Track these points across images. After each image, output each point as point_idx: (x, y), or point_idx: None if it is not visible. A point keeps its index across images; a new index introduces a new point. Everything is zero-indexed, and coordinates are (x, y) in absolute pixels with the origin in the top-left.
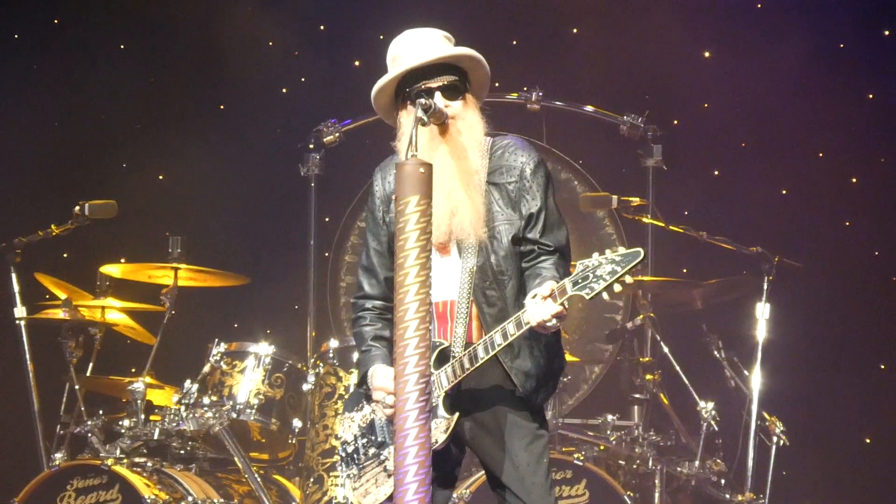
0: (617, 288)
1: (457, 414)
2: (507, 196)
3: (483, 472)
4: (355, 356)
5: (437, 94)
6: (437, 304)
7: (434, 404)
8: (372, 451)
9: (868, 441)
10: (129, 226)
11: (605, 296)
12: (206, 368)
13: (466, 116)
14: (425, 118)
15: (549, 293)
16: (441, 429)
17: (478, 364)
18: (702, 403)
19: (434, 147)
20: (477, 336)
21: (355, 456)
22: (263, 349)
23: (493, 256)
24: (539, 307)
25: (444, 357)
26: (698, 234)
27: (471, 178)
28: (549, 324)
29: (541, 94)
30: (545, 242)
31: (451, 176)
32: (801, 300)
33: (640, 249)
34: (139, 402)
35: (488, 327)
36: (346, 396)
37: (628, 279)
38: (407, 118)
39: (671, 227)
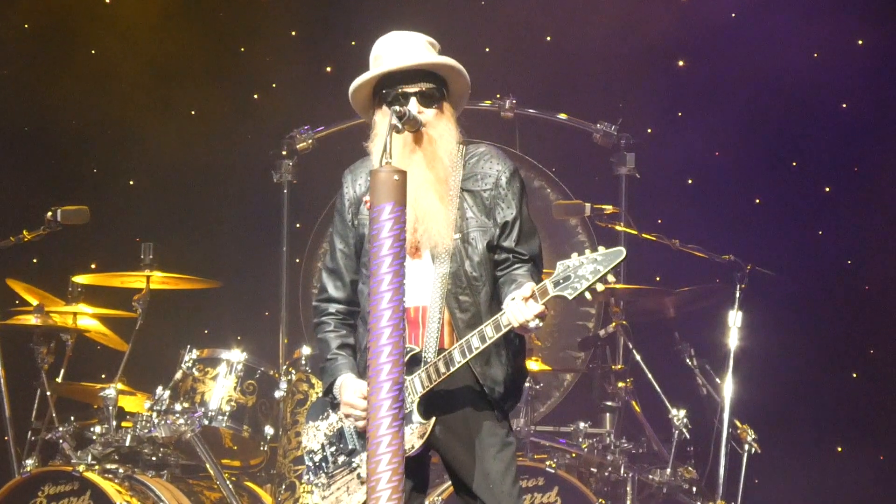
0: (599, 287)
1: (433, 419)
2: (481, 203)
3: None
4: None
5: (413, 100)
6: (408, 310)
7: (408, 410)
8: (342, 458)
9: (840, 449)
10: (101, 231)
11: (587, 296)
12: (178, 375)
13: (439, 125)
14: (399, 125)
15: (529, 294)
16: (417, 434)
17: (454, 368)
18: (674, 411)
19: (405, 154)
20: (449, 342)
21: (323, 465)
22: (235, 356)
23: (467, 262)
24: (521, 308)
25: (414, 362)
26: (671, 242)
27: (440, 186)
28: (531, 325)
29: (514, 101)
30: (520, 251)
31: (419, 184)
32: (774, 308)
33: (622, 248)
34: (111, 408)
35: (460, 333)
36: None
37: (610, 278)
38: (382, 119)
39: (644, 235)
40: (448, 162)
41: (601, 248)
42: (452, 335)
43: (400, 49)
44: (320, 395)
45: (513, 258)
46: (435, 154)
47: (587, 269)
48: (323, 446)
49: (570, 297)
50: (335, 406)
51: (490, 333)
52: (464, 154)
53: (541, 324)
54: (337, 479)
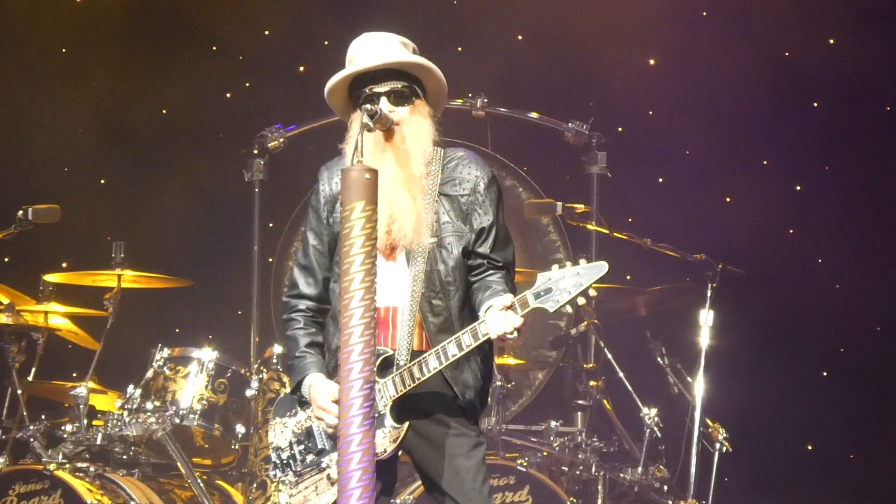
0: (581, 301)
1: (406, 424)
2: (458, 208)
3: None
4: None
5: (383, 100)
6: (379, 310)
7: (381, 413)
8: (310, 458)
9: (810, 448)
10: (72, 230)
11: (568, 308)
12: (150, 374)
13: (412, 123)
14: (370, 124)
15: (510, 304)
16: (390, 438)
17: (429, 374)
18: (645, 410)
19: (377, 152)
20: (418, 345)
21: (291, 462)
22: (207, 355)
23: (441, 265)
24: (501, 319)
25: (386, 365)
26: (642, 240)
27: (413, 185)
28: (509, 335)
29: (486, 100)
30: (495, 258)
31: (392, 181)
32: (745, 307)
33: (605, 262)
34: (82, 407)
35: (431, 337)
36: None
37: (592, 292)
38: (357, 120)
39: (615, 234)
40: (422, 160)
41: (583, 261)
42: (423, 338)
43: (371, 50)
44: (287, 391)
45: (487, 264)
46: (408, 152)
47: (569, 282)
48: (291, 444)
49: (552, 311)
50: (303, 403)
51: (468, 342)
52: (442, 157)
53: (518, 336)
54: (305, 479)
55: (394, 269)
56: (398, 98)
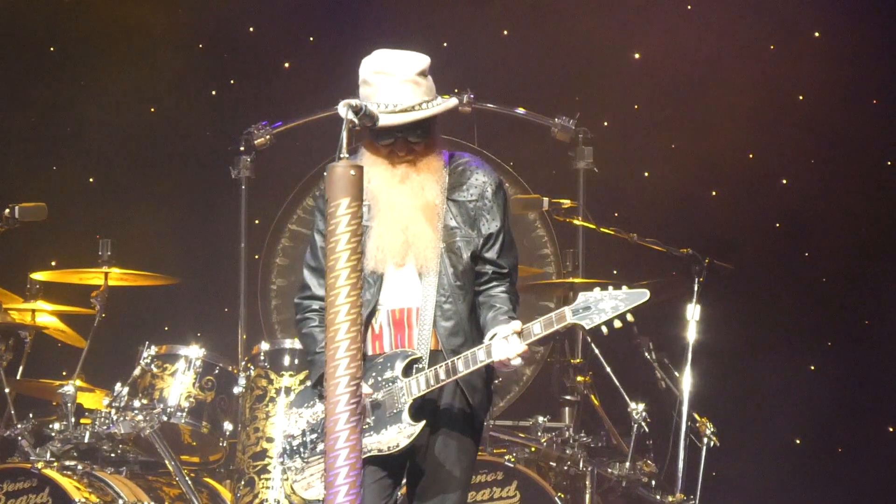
0: (617, 324)
1: (423, 422)
2: (465, 213)
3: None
4: (286, 359)
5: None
6: (394, 312)
7: (400, 410)
8: (320, 447)
9: (798, 442)
10: (59, 228)
11: (604, 329)
12: (137, 371)
13: (428, 155)
14: (356, 121)
15: (519, 330)
16: (405, 434)
17: (454, 377)
18: (632, 405)
19: (394, 183)
20: (434, 345)
21: (301, 450)
22: (194, 352)
23: (451, 270)
24: (505, 346)
25: (411, 365)
26: (629, 235)
27: (429, 213)
28: (513, 362)
29: (472, 96)
30: (501, 263)
31: (410, 211)
32: (732, 302)
33: (647, 290)
34: (69, 405)
35: (443, 340)
36: (295, 392)
37: (629, 318)
38: (368, 146)
39: (602, 229)
40: (438, 187)
41: (625, 287)
42: (437, 340)
43: (391, 87)
44: (307, 384)
45: (492, 273)
46: (424, 181)
47: (608, 304)
48: (304, 432)
49: (588, 328)
50: (323, 397)
51: (482, 357)
52: (448, 162)
53: (521, 364)
54: (312, 465)
55: (404, 273)
56: (416, 135)
